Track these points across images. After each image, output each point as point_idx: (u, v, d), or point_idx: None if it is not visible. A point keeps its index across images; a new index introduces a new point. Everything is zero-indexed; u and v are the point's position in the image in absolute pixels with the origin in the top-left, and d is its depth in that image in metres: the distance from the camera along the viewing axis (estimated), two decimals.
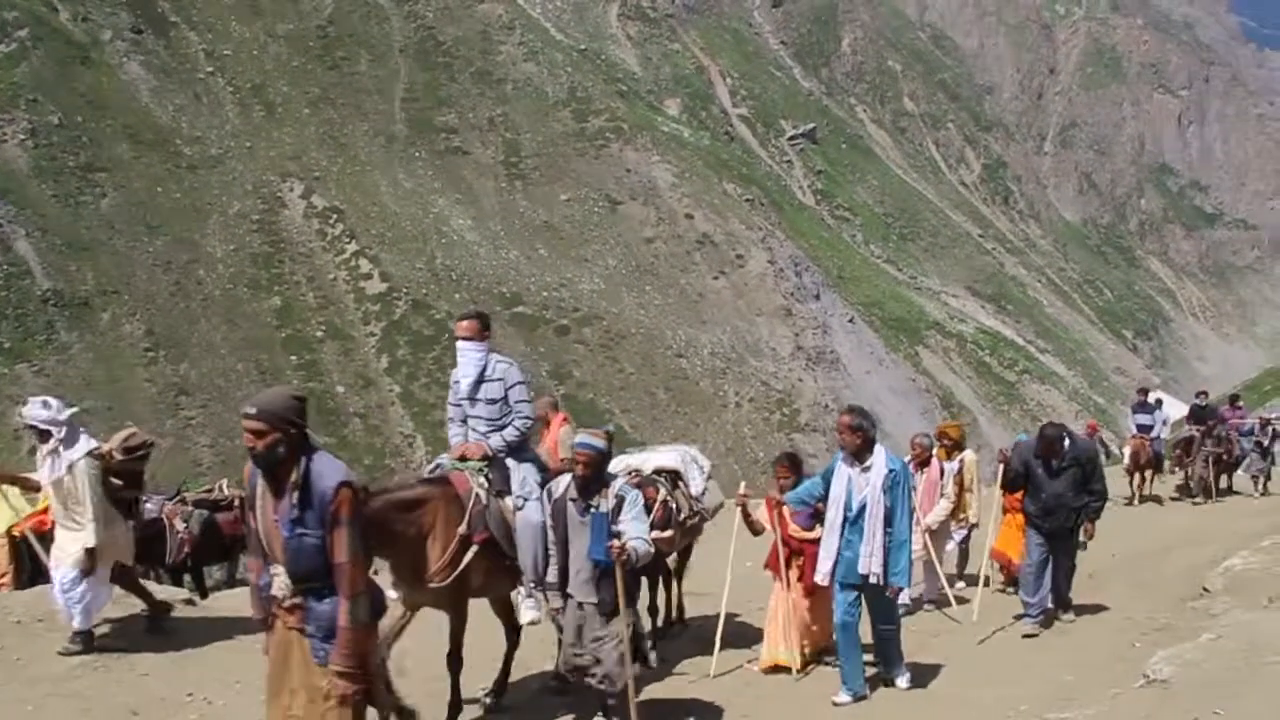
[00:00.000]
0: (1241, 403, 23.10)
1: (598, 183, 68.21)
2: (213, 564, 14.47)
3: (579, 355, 57.83)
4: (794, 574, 9.03)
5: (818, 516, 8.57)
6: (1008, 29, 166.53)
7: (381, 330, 56.15)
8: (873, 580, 7.87)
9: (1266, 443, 21.04)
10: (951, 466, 11.49)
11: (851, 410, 8.26)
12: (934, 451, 11.50)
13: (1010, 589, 11.43)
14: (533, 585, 7.65)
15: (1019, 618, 10.09)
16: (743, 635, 9.79)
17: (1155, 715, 6.13)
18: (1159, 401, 21.80)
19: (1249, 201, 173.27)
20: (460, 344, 8.02)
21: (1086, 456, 9.91)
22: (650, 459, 9.80)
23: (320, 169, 63.55)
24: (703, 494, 9.81)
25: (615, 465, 9.31)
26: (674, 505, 9.26)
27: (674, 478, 9.60)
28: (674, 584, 10.42)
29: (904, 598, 10.54)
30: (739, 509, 9.06)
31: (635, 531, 6.94)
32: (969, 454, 11.86)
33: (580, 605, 7.15)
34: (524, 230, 64.68)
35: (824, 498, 8.25)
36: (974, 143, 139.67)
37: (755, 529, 9.15)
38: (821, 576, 8.16)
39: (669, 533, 9.03)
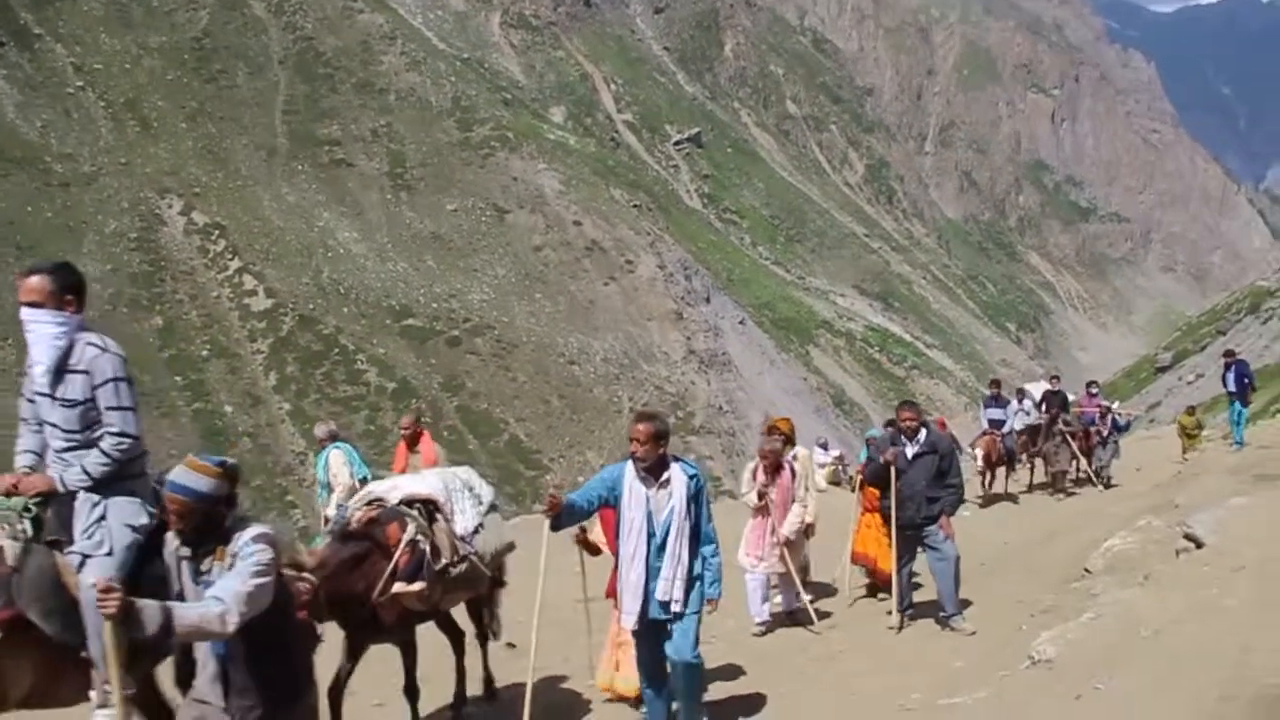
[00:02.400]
0: (1096, 389, 22.99)
1: (484, 192, 67.91)
2: None
3: (471, 366, 57.44)
4: None
5: None
6: (886, 32, 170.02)
7: (269, 347, 55.14)
8: (675, 608, 6.63)
9: (1106, 433, 20.73)
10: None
11: (651, 416, 6.80)
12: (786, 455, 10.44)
13: (883, 594, 10.85)
14: (108, 687, 4.90)
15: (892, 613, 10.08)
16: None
17: (1041, 694, 6.25)
18: (1022, 393, 21.81)
19: (1120, 196, 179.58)
20: (24, 313, 5.19)
21: (944, 447, 9.74)
22: (401, 485, 7.62)
23: (200, 184, 62.22)
24: (475, 531, 7.62)
25: (358, 496, 7.79)
26: (426, 547, 7.12)
27: (431, 509, 7.46)
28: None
29: (762, 614, 10.43)
30: (577, 540, 7.72)
31: (220, 589, 4.26)
32: (801, 450, 11.00)
33: (203, 706, 4.60)
34: (411, 241, 64.08)
35: (607, 502, 6.74)
36: (856, 144, 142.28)
37: (593, 550, 7.82)
38: (630, 619, 6.65)
39: (418, 585, 6.91)
